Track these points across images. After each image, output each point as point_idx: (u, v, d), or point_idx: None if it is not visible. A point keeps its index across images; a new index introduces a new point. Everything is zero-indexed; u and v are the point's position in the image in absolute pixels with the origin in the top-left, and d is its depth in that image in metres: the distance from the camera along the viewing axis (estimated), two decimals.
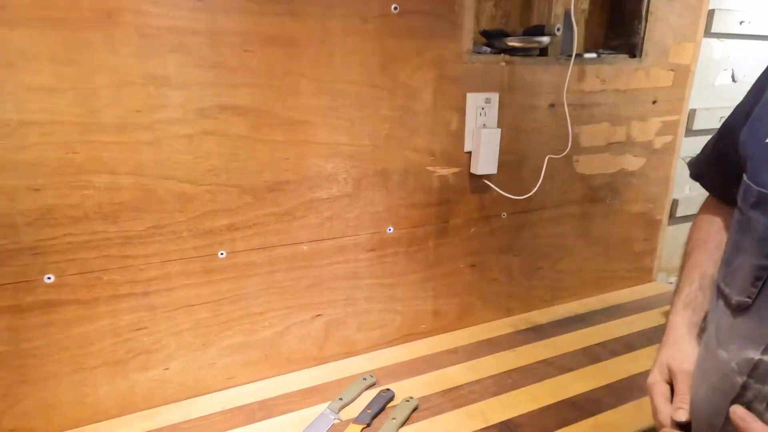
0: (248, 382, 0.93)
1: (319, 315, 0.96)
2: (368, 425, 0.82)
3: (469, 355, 1.02)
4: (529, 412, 0.85)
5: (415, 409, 0.86)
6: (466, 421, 0.83)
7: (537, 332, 1.10)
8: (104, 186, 0.75)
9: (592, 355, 1.00)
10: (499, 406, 0.87)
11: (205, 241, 0.83)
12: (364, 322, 1.01)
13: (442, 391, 0.91)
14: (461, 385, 0.92)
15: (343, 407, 0.86)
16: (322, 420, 0.83)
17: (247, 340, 0.91)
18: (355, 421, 0.82)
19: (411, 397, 0.87)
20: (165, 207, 0.79)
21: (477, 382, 0.93)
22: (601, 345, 1.04)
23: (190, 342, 0.87)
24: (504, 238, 1.11)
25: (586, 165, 1.13)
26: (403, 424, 0.82)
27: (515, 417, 0.84)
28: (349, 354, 1.01)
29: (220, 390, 0.91)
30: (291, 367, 0.96)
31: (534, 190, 1.03)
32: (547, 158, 1.03)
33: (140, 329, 0.83)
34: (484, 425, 0.82)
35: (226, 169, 0.82)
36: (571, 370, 0.96)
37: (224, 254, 0.85)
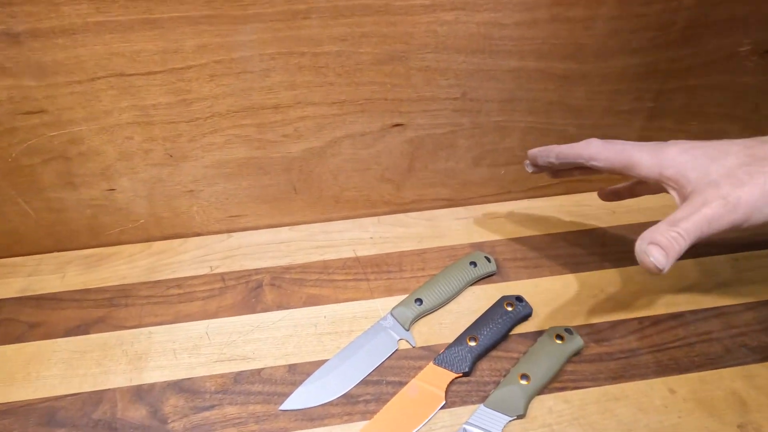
0: (264, 227, 0.52)
1: (398, 125, 0.47)
2: (466, 374, 0.38)
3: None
4: None
5: (574, 354, 0.39)
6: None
7: None
8: None
9: None
10: None
11: None
12: (490, 145, 0.50)
13: (637, 320, 0.42)
14: (681, 313, 0.42)
15: (418, 317, 0.43)
16: (373, 337, 0.41)
17: (256, 157, 0.47)
18: (439, 361, 0.39)
19: (568, 330, 0.40)
20: None
21: (720, 311, 0.42)
22: None
23: (143, 148, 0.45)
24: None
25: None
26: (543, 390, 0.37)
27: None
28: (448, 203, 0.54)
29: (215, 233, 0.52)
30: (341, 212, 0.53)
31: None
32: None
33: (32, 113, 0.41)
34: None
35: None
36: None
37: None
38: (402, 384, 0.38)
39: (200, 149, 0.46)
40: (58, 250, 0.51)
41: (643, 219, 0.51)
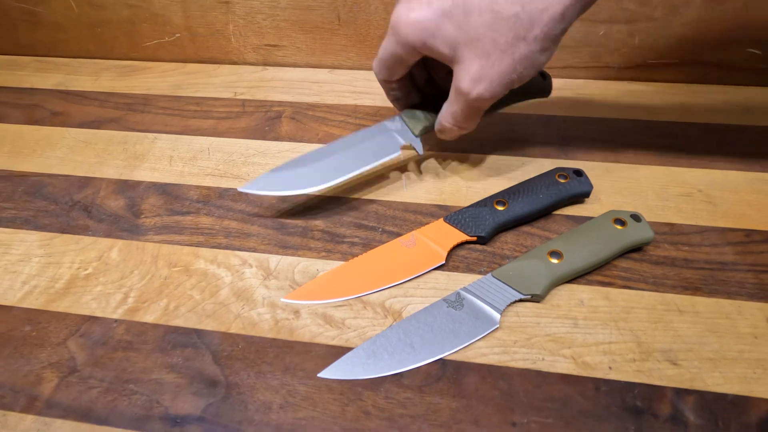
0: (303, 65, 0.46)
1: None
2: (481, 240, 0.30)
3: None
4: None
5: (636, 248, 0.29)
6: None
7: None
8: None
9: None
10: None
11: None
12: None
13: (744, 232, 0.30)
14: None
15: (432, 127, 0.34)
16: (372, 137, 0.34)
17: None
18: (452, 219, 0.31)
19: (635, 216, 0.29)
20: None
21: None
22: None
23: None
24: None
25: None
26: (579, 278, 0.28)
27: None
28: None
29: (251, 63, 0.47)
30: None
31: None
32: None
33: None
34: None
35: None
36: None
37: None
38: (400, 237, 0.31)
39: None
40: (100, 57, 0.49)
41: None
